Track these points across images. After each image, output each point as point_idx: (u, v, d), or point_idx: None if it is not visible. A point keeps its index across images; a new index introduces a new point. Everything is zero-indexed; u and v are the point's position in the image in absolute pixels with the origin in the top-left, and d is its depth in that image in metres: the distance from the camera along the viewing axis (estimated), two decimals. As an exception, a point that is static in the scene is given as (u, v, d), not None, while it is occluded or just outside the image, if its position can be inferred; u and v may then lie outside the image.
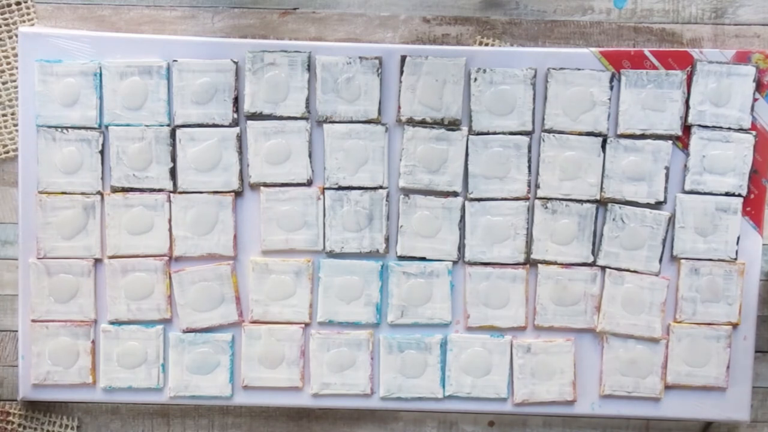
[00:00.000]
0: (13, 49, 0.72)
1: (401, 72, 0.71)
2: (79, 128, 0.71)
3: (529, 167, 0.72)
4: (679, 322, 0.73)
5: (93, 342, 0.73)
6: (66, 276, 0.72)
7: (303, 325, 0.73)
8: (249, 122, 0.71)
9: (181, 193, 0.72)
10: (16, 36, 0.72)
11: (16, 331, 0.74)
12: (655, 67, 0.71)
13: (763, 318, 0.74)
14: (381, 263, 0.72)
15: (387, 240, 0.72)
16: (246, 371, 0.73)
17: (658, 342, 0.73)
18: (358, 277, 0.72)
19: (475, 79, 0.71)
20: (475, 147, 0.71)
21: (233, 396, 0.73)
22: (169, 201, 0.72)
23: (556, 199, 0.72)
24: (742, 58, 0.71)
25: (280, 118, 0.71)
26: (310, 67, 0.71)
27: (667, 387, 0.73)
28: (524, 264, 0.73)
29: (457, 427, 0.75)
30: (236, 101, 0.71)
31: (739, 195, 0.72)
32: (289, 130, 0.71)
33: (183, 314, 0.72)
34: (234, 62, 0.70)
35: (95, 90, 0.71)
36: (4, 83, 0.73)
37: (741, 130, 0.71)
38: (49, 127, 0.71)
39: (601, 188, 0.72)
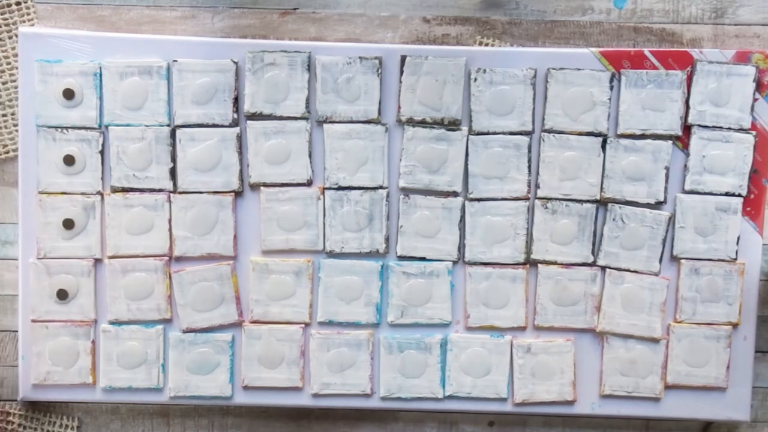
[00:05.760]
0: (13, 49, 0.72)
1: (401, 72, 0.71)
2: (79, 128, 0.71)
3: (529, 167, 0.72)
4: (679, 322, 0.73)
5: (93, 342, 0.73)
6: (66, 276, 0.72)
7: (303, 325, 0.73)
8: (249, 122, 0.71)
9: (181, 193, 0.72)
10: (16, 36, 0.72)
11: (16, 331, 0.74)
12: (655, 67, 0.71)
13: (763, 318, 0.74)
14: (381, 263, 0.72)
15: (387, 240, 0.72)
16: (246, 371, 0.73)
17: (658, 342, 0.73)
18: (358, 277, 0.72)
19: (475, 79, 0.71)
20: (475, 147, 0.71)
21: (233, 396, 0.73)
22: (169, 201, 0.72)
23: (556, 199, 0.72)
24: (742, 58, 0.71)
25: (280, 118, 0.71)
26: (310, 67, 0.71)
27: (667, 387, 0.73)
28: (524, 264, 0.73)
29: (457, 427, 0.75)
30: (236, 101, 0.71)
31: (739, 195, 0.72)
32: (289, 130, 0.71)
33: (183, 314, 0.72)
34: (234, 62, 0.70)
35: (95, 90, 0.71)
36: (4, 83, 0.73)
37: (741, 130, 0.71)
38: (49, 127, 0.71)
39: (601, 188, 0.72)
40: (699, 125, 0.71)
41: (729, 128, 0.71)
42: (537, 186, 0.72)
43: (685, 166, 0.72)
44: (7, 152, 0.73)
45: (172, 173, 0.72)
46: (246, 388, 0.73)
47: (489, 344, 0.73)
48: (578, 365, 0.73)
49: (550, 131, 0.71)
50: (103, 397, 0.73)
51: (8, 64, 0.72)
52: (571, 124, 0.71)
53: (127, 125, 0.71)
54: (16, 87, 0.72)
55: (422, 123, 0.71)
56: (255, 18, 0.73)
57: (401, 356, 0.73)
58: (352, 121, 0.71)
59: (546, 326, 0.73)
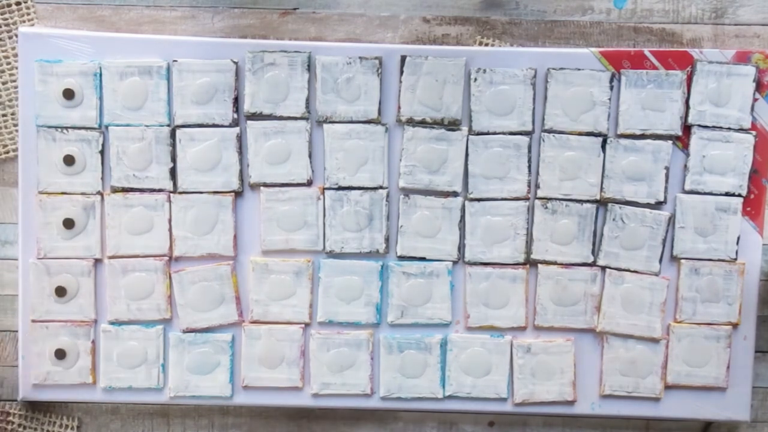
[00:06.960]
0: (13, 49, 0.72)
1: (401, 72, 0.71)
2: (79, 128, 0.71)
3: (529, 167, 0.72)
4: (679, 322, 0.73)
5: (93, 342, 0.73)
6: (66, 276, 0.72)
7: (303, 325, 0.73)
8: (249, 122, 0.71)
9: (181, 193, 0.72)
10: (16, 36, 0.72)
11: (16, 331, 0.74)
12: (655, 67, 0.71)
13: (763, 318, 0.74)
14: (381, 263, 0.72)
15: (387, 240, 0.72)
16: (246, 371, 0.73)
17: (658, 342, 0.73)
18: (358, 277, 0.72)
19: (475, 79, 0.71)
20: (475, 147, 0.71)
21: (233, 396, 0.73)
22: (169, 201, 0.72)
23: (556, 199, 0.72)
24: (742, 58, 0.71)
25: (280, 118, 0.71)
26: (310, 67, 0.71)
27: (667, 387, 0.73)
28: (524, 264, 0.73)
29: (457, 427, 0.75)
30: (236, 101, 0.71)
31: (739, 195, 0.72)
32: (289, 130, 0.71)
33: (183, 314, 0.72)
34: (234, 62, 0.70)
35: (95, 90, 0.71)
36: (4, 83, 0.73)
37: (741, 130, 0.71)
38: (49, 127, 0.71)
39: (601, 188, 0.72)
40: (699, 125, 0.71)
41: (729, 128, 0.71)
42: (537, 186, 0.72)
43: (685, 166, 0.72)
44: (7, 152, 0.73)
45: (172, 173, 0.72)
46: (246, 388, 0.73)
47: (489, 344, 0.73)
48: (578, 365, 0.73)
49: (550, 131, 0.71)
50: (103, 397, 0.73)
51: (8, 64, 0.72)
52: (571, 124, 0.71)
53: (127, 125, 0.71)
54: (16, 87, 0.72)
55: (422, 123, 0.71)
56: (255, 18, 0.73)
57: (401, 356, 0.73)
58: (352, 121, 0.71)
59: (546, 326, 0.73)
